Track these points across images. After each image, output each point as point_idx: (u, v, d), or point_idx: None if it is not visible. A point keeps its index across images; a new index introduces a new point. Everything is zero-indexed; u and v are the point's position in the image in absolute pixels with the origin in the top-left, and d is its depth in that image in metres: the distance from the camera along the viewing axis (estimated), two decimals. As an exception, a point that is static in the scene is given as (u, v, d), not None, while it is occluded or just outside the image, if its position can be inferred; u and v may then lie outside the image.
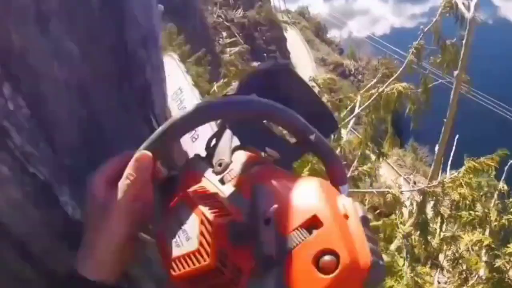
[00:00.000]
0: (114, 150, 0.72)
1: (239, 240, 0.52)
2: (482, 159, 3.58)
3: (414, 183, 5.54)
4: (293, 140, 0.72)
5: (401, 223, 3.92)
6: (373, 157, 4.56)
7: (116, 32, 0.76)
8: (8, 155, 0.67)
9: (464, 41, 4.00)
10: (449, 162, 4.54)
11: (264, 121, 0.74)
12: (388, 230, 3.81)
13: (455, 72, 4.15)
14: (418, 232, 3.90)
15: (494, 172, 3.69)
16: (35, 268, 0.78)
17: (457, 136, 4.83)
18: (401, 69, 4.26)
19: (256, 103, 0.65)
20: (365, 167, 4.10)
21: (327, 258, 0.47)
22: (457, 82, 4.22)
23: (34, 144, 0.69)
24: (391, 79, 4.19)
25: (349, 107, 4.54)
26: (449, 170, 4.41)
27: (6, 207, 0.70)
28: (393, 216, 4.02)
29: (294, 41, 24.17)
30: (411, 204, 4.13)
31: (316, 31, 29.39)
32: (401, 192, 3.97)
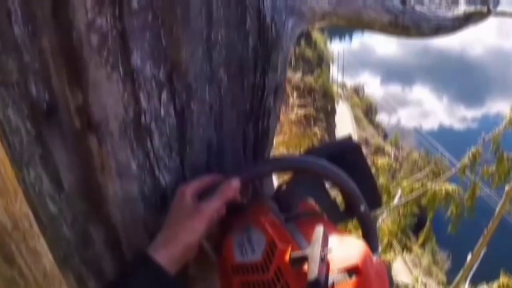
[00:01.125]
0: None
1: (295, 265, 0.63)
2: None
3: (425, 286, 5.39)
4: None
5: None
6: (396, 248, 4.51)
7: (260, 74, 0.85)
8: (142, 153, 0.75)
9: (522, 157, 3.93)
10: (471, 274, 4.41)
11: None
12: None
13: (506, 187, 4.05)
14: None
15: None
16: (114, 257, 0.84)
17: (484, 250, 4.68)
18: (453, 170, 4.22)
19: (329, 168, 0.80)
20: (387, 256, 4.07)
21: None
22: (506, 198, 4.11)
23: (168, 151, 0.77)
24: (442, 179, 4.16)
25: (391, 194, 4.50)
26: (468, 282, 4.29)
27: (120, 199, 0.77)
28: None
29: (343, 115, 24.34)
30: (432, 306, 4.01)
31: (366, 111, 29.58)
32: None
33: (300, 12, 0.91)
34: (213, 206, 0.76)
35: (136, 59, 0.67)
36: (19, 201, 0.74)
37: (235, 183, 0.78)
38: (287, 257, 0.65)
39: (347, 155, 0.88)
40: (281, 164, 0.85)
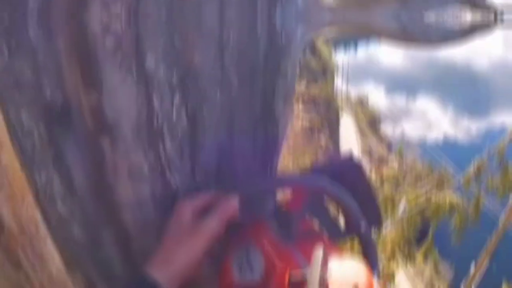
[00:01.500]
0: (235, 183, 0.83)
1: (295, 285, 0.63)
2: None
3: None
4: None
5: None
6: (399, 259, 4.50)
7: (270, 79, 0.86)
8: (154, 156, 0.76)
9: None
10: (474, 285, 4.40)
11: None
12: None
13: (511, 199, 4.04)
14: None
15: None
16: (124, 259, 0.85)
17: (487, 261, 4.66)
18: (457, 182, 4.22)
19: (329, 186, 0.81)
20: (390, 267, 4.08)
21: None
22: (510, 209, 4.10)
23: (179, 155, 0.78)
24: (446, 190, 4.16)
25: (396, 205, 4.51)
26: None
27: (131, 201, 0.78)
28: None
29: (347, 126, 24.25)
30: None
31: (370, 121, 29.48)
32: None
33: (309, 19, 0.92)
34: (212, 224, 0.77)
35: (150, 62, 0.68)
36: (26, 206, 0.75)
37: (233, 201, 0.79)
38: (286, 278, 0.65)
39: (349, 173, 0.89)
40: (282, 182, 0.85)
